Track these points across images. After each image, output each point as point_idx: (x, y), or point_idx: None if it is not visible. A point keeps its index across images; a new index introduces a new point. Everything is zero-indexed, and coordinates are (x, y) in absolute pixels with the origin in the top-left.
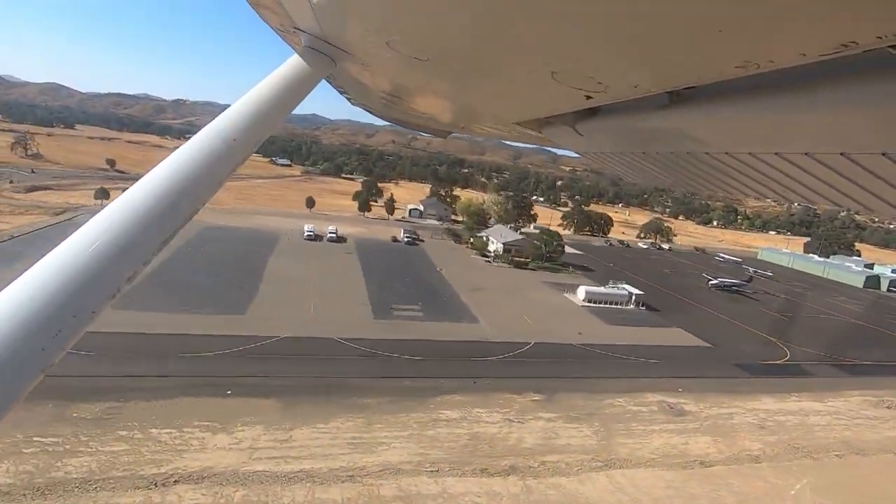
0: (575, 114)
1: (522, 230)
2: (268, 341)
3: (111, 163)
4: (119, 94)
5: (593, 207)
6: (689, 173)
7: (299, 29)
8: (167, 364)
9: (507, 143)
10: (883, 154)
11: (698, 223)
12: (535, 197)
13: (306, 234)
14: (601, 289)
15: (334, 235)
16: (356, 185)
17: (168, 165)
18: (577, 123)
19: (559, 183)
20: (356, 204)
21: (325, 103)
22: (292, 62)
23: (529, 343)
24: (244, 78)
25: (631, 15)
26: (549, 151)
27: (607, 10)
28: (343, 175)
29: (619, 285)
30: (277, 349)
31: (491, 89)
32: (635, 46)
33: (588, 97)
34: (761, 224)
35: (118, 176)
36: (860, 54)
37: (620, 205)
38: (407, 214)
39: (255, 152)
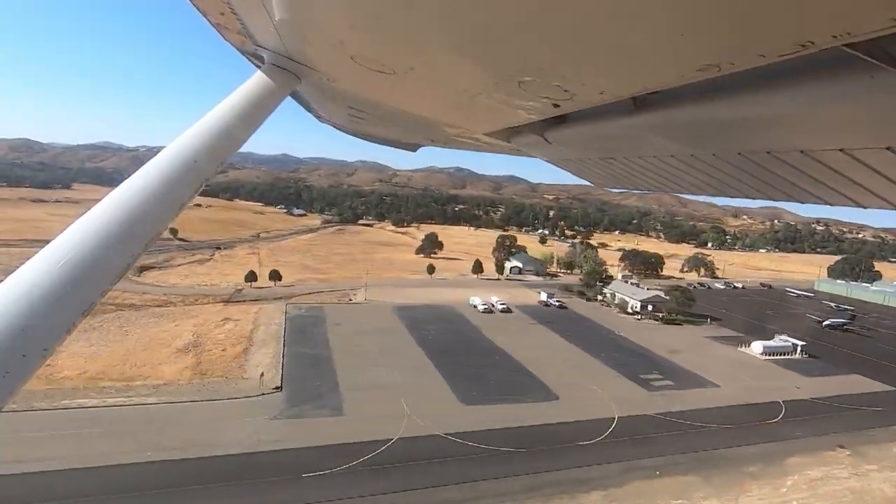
0: (543, 122)
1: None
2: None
3: (173, 232)
4: (89, 146)
5: (597, 237)
6: (657, 176)
7: (262, 47)
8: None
9: (484, 174)
10: (841, 150)
11: (695, 246)
12: (541, 231)
13: (481, 307)
14: (773, 342)
15: (504, 306)
16: (390, 234)
17: (124, 191)
18: (545, 132)
19: (551, 214)
20: (424, 261)
21: (292, 141)
22: (256, 80)
23: (778, 400)
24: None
25: (593, 23)
26: (526, 181)
27: (571, 21)
28: (361, 223)
29: (781, 337)
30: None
31: (458, 101)
32: (599, 54)
33: (555, 105)
34: (750, 243)
35: (191, 246)
36: (817, 54)
37: (617, 232)
38: (508, 272)
39: (260, 201)
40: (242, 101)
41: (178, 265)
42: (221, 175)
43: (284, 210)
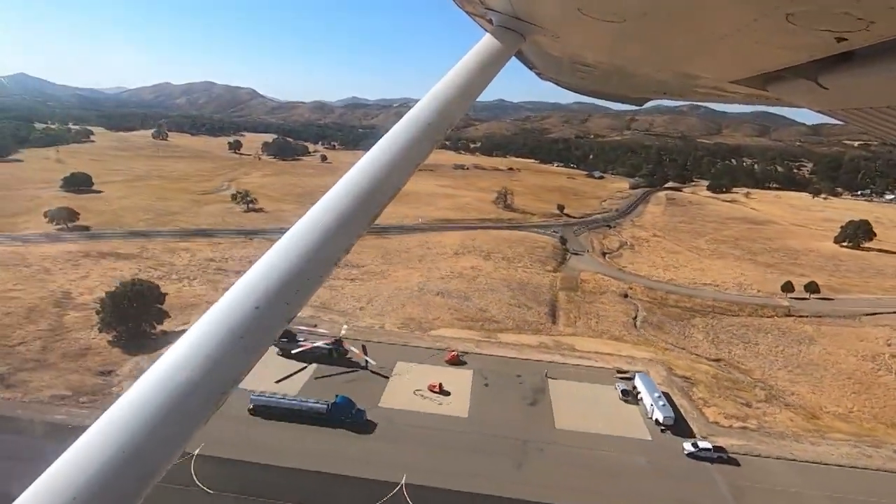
0: (815, 63)
1: None
2: None
3: (560, 207)
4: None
5: None
6: None
7: (491, 9)
8: None
9: (741, 112)
10: None
11: None
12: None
13: None
14: None
15: None
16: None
17: (367, 159)
18: (819, 75)
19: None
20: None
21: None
22: (485, 42)
23: None
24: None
25: None
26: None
27: None
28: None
29: None
30: None
31: (702, 47)
32: None
33: (840, 39)
34: None
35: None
36: None
37: None
38: None
39: (534, 158)
40: (472, 64)
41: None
42: (472, 130)
43: (586, 173)
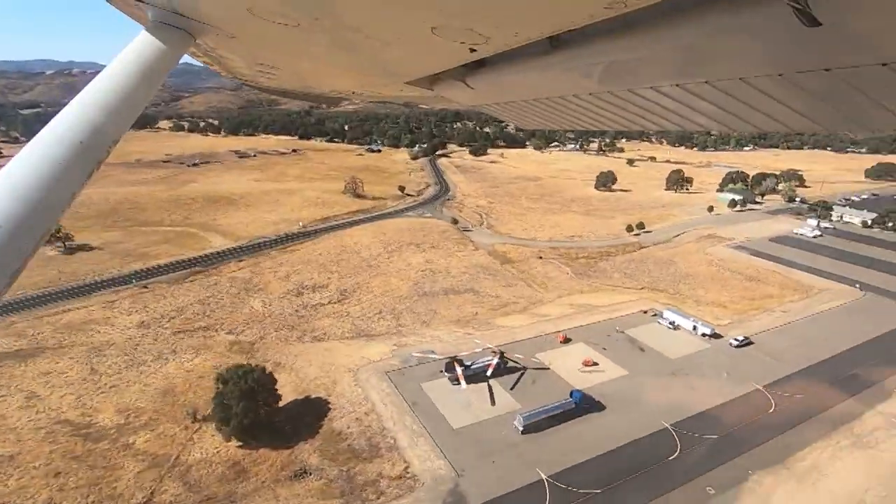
0: (464, 67)
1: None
2: None
3: (401, 189)
4: None
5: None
6: (578, 114)
7: (144, 2)
8: None
9: None
10: (741, 79)
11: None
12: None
13: (811, 234)
14: None
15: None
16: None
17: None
18: (467, 77)
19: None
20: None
21: None
22: (141, 42)
23: None
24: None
25: None
26: None
27: None
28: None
29: None
30: None
31: (372, 52)
32: None
33: (472, 50)
34: (734, 141)
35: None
36: None
37: (624, 140)
38: (728, 205)
39: (290, 134)
40: (129, 68)
41: None
42: (187, 103)
43: (366, 147)
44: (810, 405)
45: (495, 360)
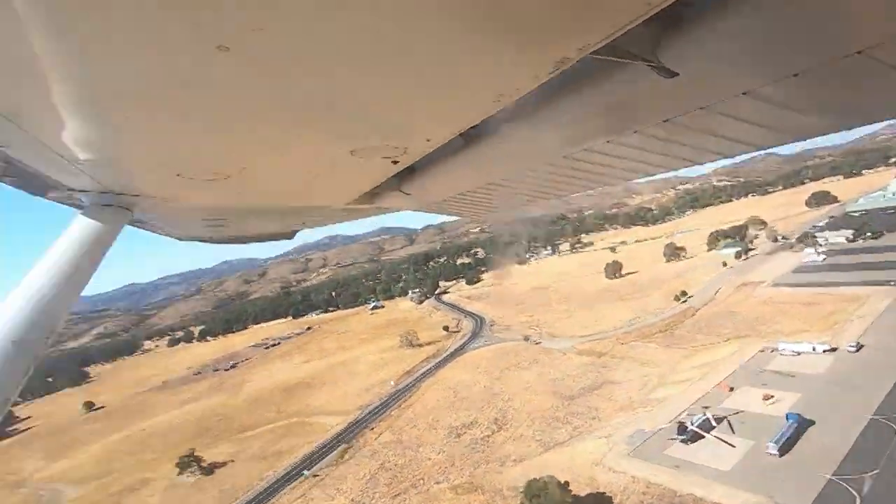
0: (395, 177)
1: None
2: None
3: (445, 327)
4: None
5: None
6: (509, 193)
7: (75, 190)
8: None
9: (359, 234)
10: (635, 132)
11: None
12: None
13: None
14: None
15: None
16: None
17: None
18: (401, 186)
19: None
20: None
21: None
22: (79, 225)
23: None
24: None
25: (378, 86)
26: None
27: (358, 86)
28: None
29: None
30: None
31: (304, 183)
32: (403, 111)
33: (395, 162)
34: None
35: None
36: (577, 65)
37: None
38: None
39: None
40: (67, 254)
41: None
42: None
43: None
44: None
45: (709, 415)
